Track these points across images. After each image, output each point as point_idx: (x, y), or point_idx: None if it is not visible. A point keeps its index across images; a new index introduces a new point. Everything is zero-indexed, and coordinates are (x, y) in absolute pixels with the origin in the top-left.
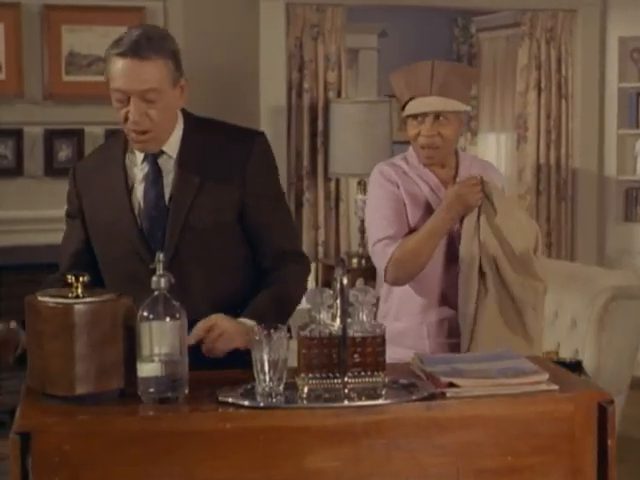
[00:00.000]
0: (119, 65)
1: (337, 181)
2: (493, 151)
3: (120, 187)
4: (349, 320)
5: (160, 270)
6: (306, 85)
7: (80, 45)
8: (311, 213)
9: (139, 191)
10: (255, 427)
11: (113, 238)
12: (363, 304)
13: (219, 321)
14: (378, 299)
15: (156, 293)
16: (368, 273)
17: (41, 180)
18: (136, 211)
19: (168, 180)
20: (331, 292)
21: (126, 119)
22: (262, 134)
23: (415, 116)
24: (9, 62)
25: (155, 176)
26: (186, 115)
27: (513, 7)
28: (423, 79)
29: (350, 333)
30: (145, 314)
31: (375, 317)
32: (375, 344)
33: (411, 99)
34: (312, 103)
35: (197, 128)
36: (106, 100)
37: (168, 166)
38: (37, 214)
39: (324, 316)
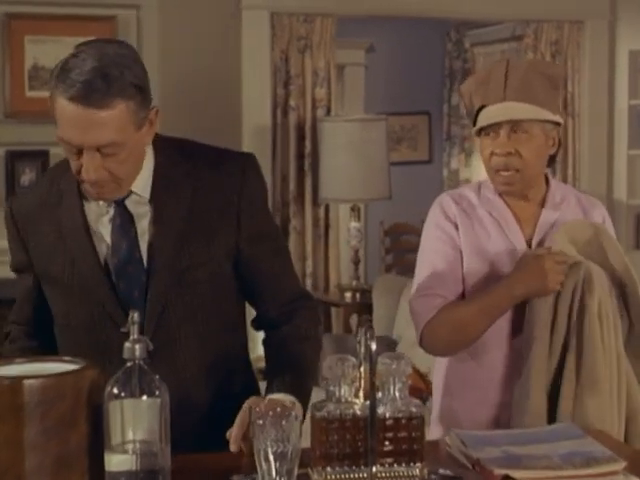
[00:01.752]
0: (67, 111)
1: (327, 207)
2: None
3: (78, 233)
4: (378, 396)
5: (134, 334)
6: (292, 102)
7: (45, 58)
8: (298, 242)
9: (104, 238)
10: None
11: (77, 298)
12: (395, 376)
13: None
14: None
15: (129, 364)
16: (364, 309)
17: (2, 207)
18: (102, 263)
19: (142, 225)
20: (354, 361)
21: (79, 171)
22: (251, 156)
23: (487, 130)
24: None
25: (125, 222)
26: (156, 141)
27: (515, 18)
28: (496, 82)
29: (379, 413)
30: (115, 391)
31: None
32: (411, 427)
33: (481, 109)
34: (299, 121)
35: (172, 156)
36: None
37: (140, 209)
38: None
39: (345, 392)
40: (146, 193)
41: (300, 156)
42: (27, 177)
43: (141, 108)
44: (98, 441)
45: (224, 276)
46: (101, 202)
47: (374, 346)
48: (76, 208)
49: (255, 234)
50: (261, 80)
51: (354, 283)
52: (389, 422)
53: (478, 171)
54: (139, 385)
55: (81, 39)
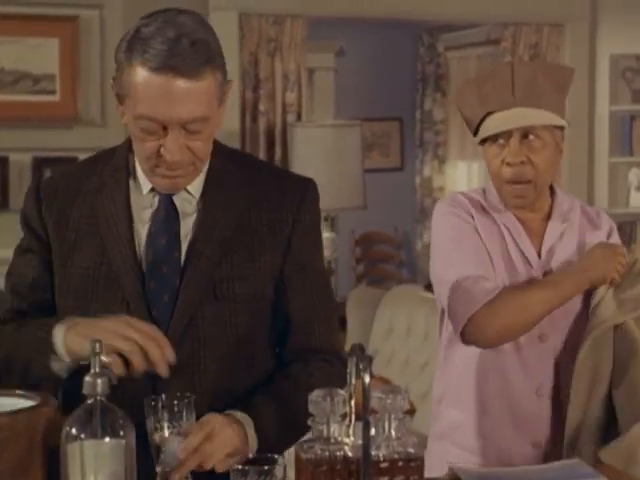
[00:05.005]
0: (151, 84)
1: None
2: (463, 182)
3: (119, 221)
4: (372, 435)
5: (96, 367)
6: (262, 107)
7: (4, 59)
8: None
9: (142, 234)
10: None
11: (99, 292)
12: (391, 412)
13: (218, 427)
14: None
15: (90, 400)
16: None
17: None
18: (138, 258)
19: (186, 226)
20: (344, 394)
21: (157, 154)
22: (313, 182)
23: (494, 139)
24: None
25: (170, 217)
26: (214, 145)
27: (493, 21)
28: (502, 86)
29: (373, 455)
30: (74, 431)
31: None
32: (409, 471)
33: (487, 116)
34: (269, 127)
35: (227, 163)
36: (34, 123)
37: (188, 208)
38: None
39: (335, 430)
40: (197, 192)
41: (270, 162)
42: None
43: (224, 79)
44: None
45: (264, 298)
46: (146, 191)
47: (368, 378)
48: (120, 196)
49: (302, 265)
50: None
51: None
52: (384, 465)
53: (452, 178)
54: (101, 425)
55: (43, 40)
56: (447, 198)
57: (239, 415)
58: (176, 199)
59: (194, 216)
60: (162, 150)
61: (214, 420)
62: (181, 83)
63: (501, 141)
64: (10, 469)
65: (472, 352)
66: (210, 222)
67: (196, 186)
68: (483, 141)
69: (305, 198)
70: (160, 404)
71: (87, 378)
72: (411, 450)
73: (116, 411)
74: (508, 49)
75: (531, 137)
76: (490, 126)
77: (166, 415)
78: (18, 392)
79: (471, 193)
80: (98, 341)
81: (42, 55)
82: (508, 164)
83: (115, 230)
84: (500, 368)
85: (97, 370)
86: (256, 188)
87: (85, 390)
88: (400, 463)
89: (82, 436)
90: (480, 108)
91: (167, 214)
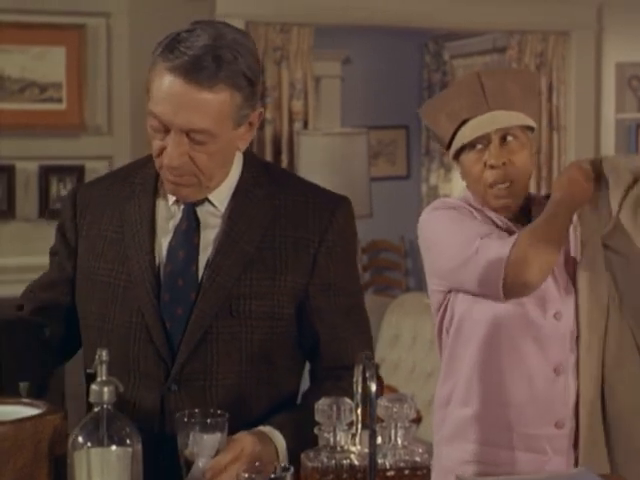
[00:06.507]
0: (165, 82)
1: None
2: None
3: (142, 230)
4: (378, 443)
5: (102, 375)
6: (269, 115)
7: (10, 68)
8: None
9: (163, 245)
10: None
11: (117, 301)
12: (398, 420)
13: (247, 447)
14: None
15: (97, 409)
16: None
17: None
18: (156, 269)
19: (207, 238)
20: (351, 403)
21: (160, 153)
22: (346, 200)
23: (472, 146)
24: None
25: (190, 230)
26: (247, 157)
27: (499, 29)
28: (472, 94)
29: (380, 464)
30: (81, 440)
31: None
32: (415, 479)
33: (462, 125)
34: (275, 135)
35: (259, 176)
36: (41, 131)
37: (210, 220)
38: None
39: (341, 438)
40: (222, 206)
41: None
42: None
43: (246, 104)
44: None
45: (283, 317)
46: (171, 202)
47: (374, 387)
48: (147, 205)
49: (327, 284)
50: None
51: None
52: (390, 473)
53: (458, 187)
54: (108, 433)
55: (49, 48)
56: (434, 203)
57: (270, 432)
58: (199, 211)
59: (217, 229)
60: (164, 152)
61: (244, 440)
62: (190, 90)
63: (479, 147)
64: (16, 478)
65: (482, 343)
66: (233, 237)
67: (221, 198)
68: (457, 153)
69: (334, 216)
70: (192, 420)
71: (93, 386)
72: (417, 459)
73: (123, 419)
74: (514, 57)
75: (509, 138)
76: (467, 133)
77: (198, 431)
78: (23, 400)
79: (452, 200)
80: (105, 349)
81: (48, 63)
82: (491, 167)
83: (137, 239)
84: (515, 352)
85: (104, 378)
86: (285, 204)
87: (92, 398)
88: (407, 472)
89: (89, 444)
90: (450, 122)
91: (188, 226)
